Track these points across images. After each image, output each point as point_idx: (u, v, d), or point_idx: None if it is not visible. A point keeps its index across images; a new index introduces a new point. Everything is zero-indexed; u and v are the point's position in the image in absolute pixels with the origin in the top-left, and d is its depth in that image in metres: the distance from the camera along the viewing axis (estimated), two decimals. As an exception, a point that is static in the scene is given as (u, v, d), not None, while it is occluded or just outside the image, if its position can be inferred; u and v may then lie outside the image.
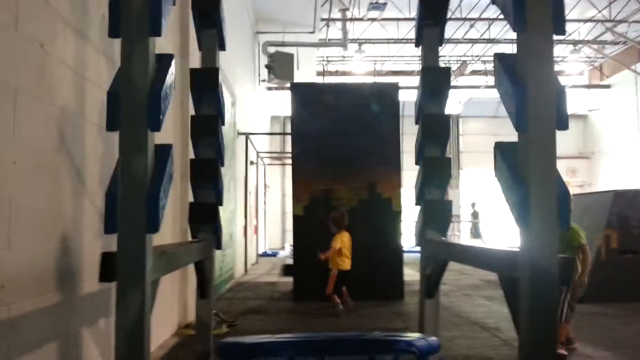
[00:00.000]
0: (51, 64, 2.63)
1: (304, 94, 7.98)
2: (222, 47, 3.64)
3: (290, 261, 9.30)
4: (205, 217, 3.54)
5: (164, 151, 2.15)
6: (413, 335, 3.37)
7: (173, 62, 2.23)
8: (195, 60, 4.75)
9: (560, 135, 2.07)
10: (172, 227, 5.11)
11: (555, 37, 2.15)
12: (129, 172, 1.99)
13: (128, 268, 2.03)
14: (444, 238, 3.67)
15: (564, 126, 2.11)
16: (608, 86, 20.93)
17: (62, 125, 2.73)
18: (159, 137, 2.21)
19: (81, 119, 2.97)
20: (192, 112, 3.67)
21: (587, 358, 4.34)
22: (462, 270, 11.04)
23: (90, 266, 3.01)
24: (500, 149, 2.25)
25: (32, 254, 2.45)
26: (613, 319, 5.89)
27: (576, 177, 21.83)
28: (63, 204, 2.75)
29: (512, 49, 2.35)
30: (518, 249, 2.13)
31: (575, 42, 18.43)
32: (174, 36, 5.25)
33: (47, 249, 2.58)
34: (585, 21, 16.90)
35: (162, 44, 4.57)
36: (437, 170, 3.56)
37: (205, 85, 3.46)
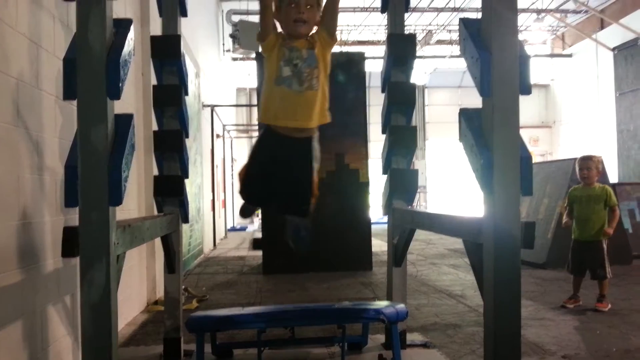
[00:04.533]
0: (3, 30, 2.50)
1: (269, 65, 7.82)
2: (184, 13, 3.53)
3: (259, 235, 9.28)
4: (170, 190, 3.48)
5: (124, 121, 2.08)
6: (381, 304, 3.43)
7: (132, 27, 2.15)
8: (156, 28, 4.61)
9: (523, 105, 2.10)
10: (138, 203, 5.02)
11: (519, 5, 2.15)
12: (88, 142, 1.92)
13: (91, 242, 1.97)
14: (410, 207, 3.72)
15: (526, 91, 2.13)
16: (569, 55, 21.26)
17: (17, 96, 2.62)
18: (120, 109, 2.14)
19: (37, 89, 2.86)
20: (154, 82, 3.57)
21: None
22: (428, 240, 11.24)
23: (54, 243, 2.94)
24: (465, 115, 2.26)
25: (-10, 230, 2.37)
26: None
27: (538, 146, 22.28)
28: (22, 179, 2.66)
29: (477, 17, 2.34)
30: (482, 216, 2.17)
31: (538, 11, 18.61)
32: (133, 2, 5.07)
33: (7, 226, 2.50)
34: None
35: (121, 11, 4.42)
36: (403, 138, 3.57)
37: (167, 53, 3.35)
